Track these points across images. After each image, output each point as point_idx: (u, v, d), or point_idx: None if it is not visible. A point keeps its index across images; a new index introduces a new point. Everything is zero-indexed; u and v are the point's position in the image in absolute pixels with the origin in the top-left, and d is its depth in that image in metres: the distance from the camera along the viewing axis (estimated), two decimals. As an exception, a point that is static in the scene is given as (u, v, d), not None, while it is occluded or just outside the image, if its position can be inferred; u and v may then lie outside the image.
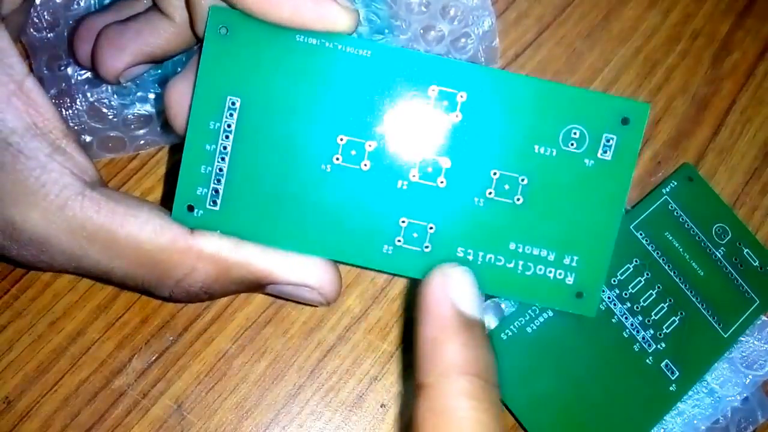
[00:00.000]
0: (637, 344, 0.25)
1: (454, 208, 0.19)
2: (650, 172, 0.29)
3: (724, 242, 0.27)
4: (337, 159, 0.18)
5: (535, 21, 0.31)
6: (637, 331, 0.25)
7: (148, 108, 0.26)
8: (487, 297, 0.25)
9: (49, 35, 0.25)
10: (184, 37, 0.21)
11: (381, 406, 0.24)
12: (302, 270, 0.18)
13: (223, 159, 0.18)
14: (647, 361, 0.25)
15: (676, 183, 0.28)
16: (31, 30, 0.25)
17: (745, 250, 0.27)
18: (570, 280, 0.19)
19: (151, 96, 0.26)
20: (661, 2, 0.32)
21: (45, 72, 0.25)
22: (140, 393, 0.24)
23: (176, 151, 0.27)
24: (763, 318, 0.27)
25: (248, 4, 0.17)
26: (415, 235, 0.19)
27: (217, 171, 0.18)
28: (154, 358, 0.24)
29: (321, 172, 0.18)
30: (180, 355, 0.24)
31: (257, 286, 0.19)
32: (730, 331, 0.26)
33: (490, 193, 0.19)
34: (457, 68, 0.18)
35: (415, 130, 0.18)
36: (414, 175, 0.19)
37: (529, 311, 0.25)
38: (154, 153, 0.27)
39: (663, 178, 0.29)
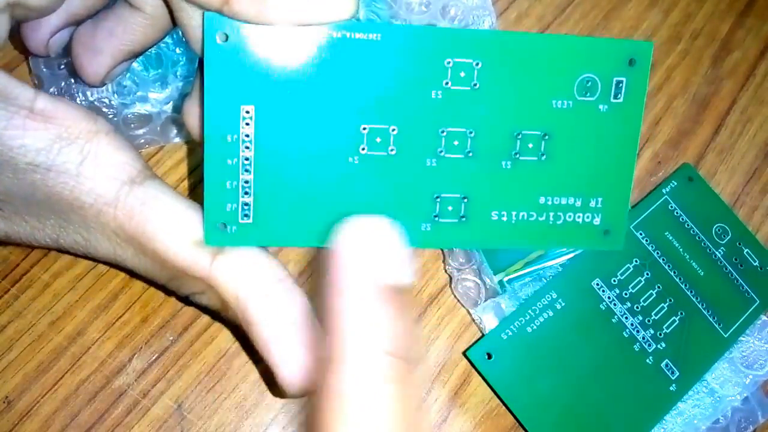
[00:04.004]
0: (637, 344, 0.25)
1: (484, 175, 0.19)
2: (650, 172, 0.29)
3: (724, 242, 0.27)
4: (363, 149, 0.18)
5: (536, 20, 0.31)
6: (637, 331, 0.25)
7: (147, 107, 0.26)
8: (488, 297, 0.25)
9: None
10: (160, 27, 0.20)
11: (381, 406, 0.24)
12: (279, 352, 0.17)
13: (247, 170, 0.17)
14: (647, 361, 0.25)
15: (676, 183, 0.28)
16: (31, 29, 0.25)
17: (745, 250, 0.27)
18: (597, 220, 0.20)
19: (151, 95, 0.26)
20: (662, 2, 0.32)
21: (44, 71, 0.25)
22: (140, 393, 0.24)
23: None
24: (763, 318, 0.27)
25: (244, 16, 0.16)
26: (450, 208, 0.19)
27: (244, 183, 0.17)
28: (154, 357, 0.24)
29: (349, 164, 0.18)
30: (180, 355, 0.24)
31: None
32: (730, 331, 0.26)
33: (516, 155, 0.19)
34: (468, 37, 0.18)
35: (437, 105, 0.18)
36: (441, 151, 0.19)
37: (529, 311, 0.25)
38: (154, 152, 0.26)
39: (663, 178, 0.29)
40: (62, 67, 0.25)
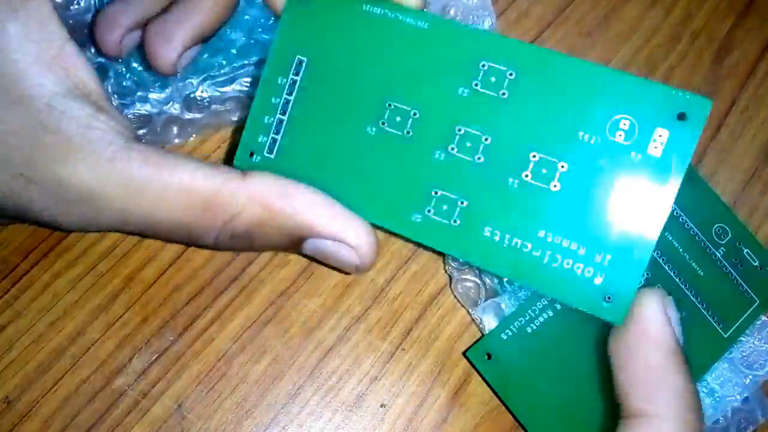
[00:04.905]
0: (637, 344, 0.25)
1: (488, 186, 0.19)
2: (650, 172, 0.29)
3: (724, 242, 0.27)
4: (383, 123, 0.19)
5: (536, 21, 0.31)
6: (637, 331, 0.25)
7: (148, 108, 0.26)
8: (488, 297, 0.25)
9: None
10: (224, 6, 0.21)
11: (381, 406, 0.24)
12: (343, 225, 0.19)
13: (283, 112, 0.20)
14: (647, 361, 0.25)
15: (676, 183, 0.28)
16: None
17: (745, 250, 0.27)
18: (599, 279, 0.18)
19: (151, 96, 0.26)
20: (662, 2, 0.32)
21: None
22: (140, 393, 0.24)
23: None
24: (763, 318, 0.27)
25: None
26: (445, 207, 0.19)
27: (278, 122, 0.20)
28: (154, 358, 0.24)
29: (366, 133, 0.19)
30: (180, 355, 0.24)
31: (297, 239, 0.19)
32: (730, 331, 0.26)
33: (526, 176, 0.18)
34: (509, 46, 0.18)
35: (461, 102, 0.19)
36: (453, 148, 0.19)
37: (529, 311, 0.25)
38: (154, 153, 0.26)
39: (663, 178, 0.29)
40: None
